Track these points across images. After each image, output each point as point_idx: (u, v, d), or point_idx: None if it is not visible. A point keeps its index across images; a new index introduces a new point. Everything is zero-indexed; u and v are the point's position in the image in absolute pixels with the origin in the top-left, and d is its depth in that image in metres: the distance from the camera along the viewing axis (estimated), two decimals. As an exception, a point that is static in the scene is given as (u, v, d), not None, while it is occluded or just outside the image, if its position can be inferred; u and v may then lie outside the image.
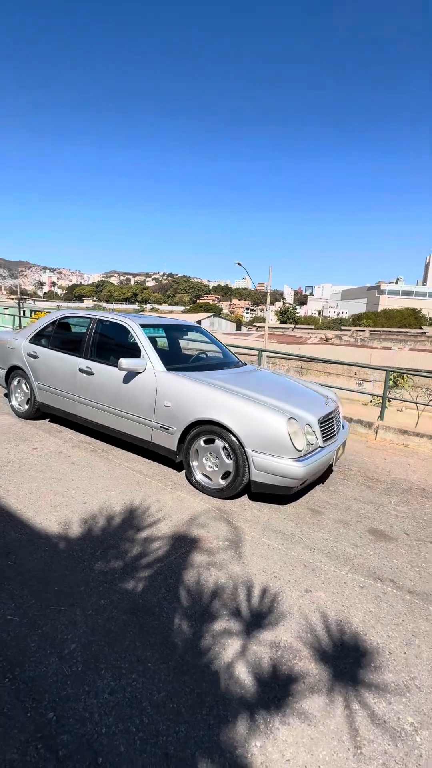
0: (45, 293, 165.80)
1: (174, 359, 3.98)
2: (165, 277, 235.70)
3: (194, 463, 3.30)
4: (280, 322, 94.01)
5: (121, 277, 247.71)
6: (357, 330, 42.41)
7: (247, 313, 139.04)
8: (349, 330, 43.80)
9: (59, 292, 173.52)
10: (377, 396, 5.82)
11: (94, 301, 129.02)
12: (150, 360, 3.60)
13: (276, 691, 1.61)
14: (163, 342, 4.80)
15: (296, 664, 1.74)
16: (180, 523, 2.79)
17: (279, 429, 2.90)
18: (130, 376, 3.63)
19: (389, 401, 7.10)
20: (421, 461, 4.58)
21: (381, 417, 5.51)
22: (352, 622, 2.01)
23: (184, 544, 2.54)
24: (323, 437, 3.26)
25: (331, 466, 3.36)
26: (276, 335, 47.75)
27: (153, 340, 3.96)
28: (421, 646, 1.90)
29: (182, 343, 4.98)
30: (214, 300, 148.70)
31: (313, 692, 1.62)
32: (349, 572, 2.41)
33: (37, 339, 4.60)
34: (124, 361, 3.48)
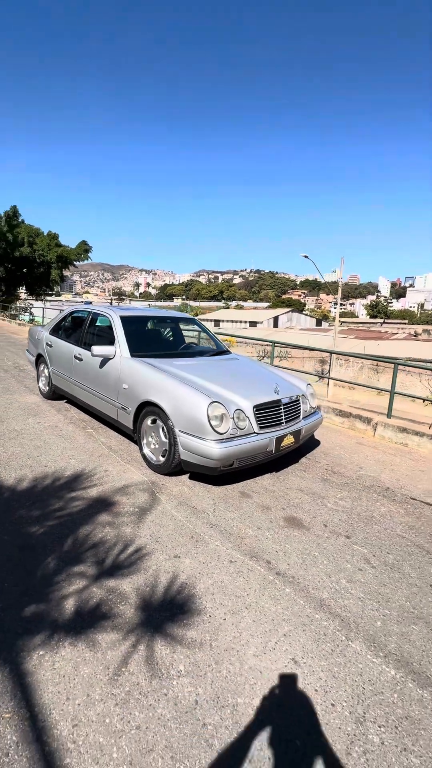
0: (140, 293, 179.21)
1: (148, 347, 4.31)
2: (252, 274, 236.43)
3: (143, 441, 3.63)
4: (370, 317, 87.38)
5: (210, 276, 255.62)
6: (455, 324, 37.54)
7: (335, 307, 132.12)
8: (446, 324, 38.98)
9: (153, 292, 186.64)
10: (386, 390, 5.37)
11: (183, 299, 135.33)
12: (120, 347, 4.02)
13: (84, 621, 1.89)
14: (169, 333, 5.21)
15: (117, 607, 1.98)
16: (109, 489, 3.16)
17: (200, 411, 3.06)
18: (105, 361, 4.10)
19: None
20: (409, 461, 4.19)
21: (389, 414, 5.11)
22: (196, 587, 2.15)
23: (99, 506, 2.90)
24: (260, 424, 3.30)
25: (299, 451, 3.36)
26: (359, 330, 44.74)
27: (134, 331, 4.36)
28: (247, 617, 1.96)
29: (178, 333, 5.30)
30: (299, 295, 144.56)
31: (114, 629, 1.85)
32: (230, 549, 2.50)
33: (54, 331, 5.38)
34: (96, 348, 3.96)
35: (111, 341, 4.18)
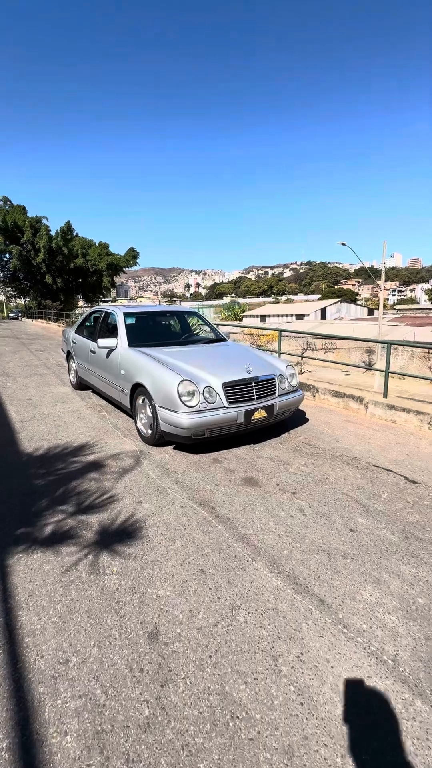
0: (191, 294, 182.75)
1: (146, 338, 4.89)
2: (302, 266, 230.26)
3: (137, 417, 4.24)
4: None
5: (259, 271, 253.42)
6: None
7: (394, 295, 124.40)
8: None
9: (203, 291, 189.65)
10: (380, 371, 5.42)
11: (232, 297, 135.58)
12: (120, 339, 4.67)
13: (55, 539, 2.51)
14: (170, 325, 5.80)
15: (81, 531, 2.58)
16: (103, 455, 3.80)
17: (172, 388, 3.58)
18: (110, 352, 4.78)
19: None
20: (390, 435, 4.32)
21: (385, 394, 5.20)
22: (146, 522, 2.68)
23: (91, 467, 3.55)
24: (229, 399, 3.73)
25: (283, 427, 3.78)
26: (414, 317, 42.07)
27: (134, 325, 5.00)
28: (177, 543, 2.45)
29: (184, 324, 5.86)
30: (354, 284, 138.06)
31: (74, 545, 2.44)
32: (186, 498, 2.99)
33: (78, 330, 6.22)
34: (101, 341, 4.65)
35: (115, 334, 4.85)
